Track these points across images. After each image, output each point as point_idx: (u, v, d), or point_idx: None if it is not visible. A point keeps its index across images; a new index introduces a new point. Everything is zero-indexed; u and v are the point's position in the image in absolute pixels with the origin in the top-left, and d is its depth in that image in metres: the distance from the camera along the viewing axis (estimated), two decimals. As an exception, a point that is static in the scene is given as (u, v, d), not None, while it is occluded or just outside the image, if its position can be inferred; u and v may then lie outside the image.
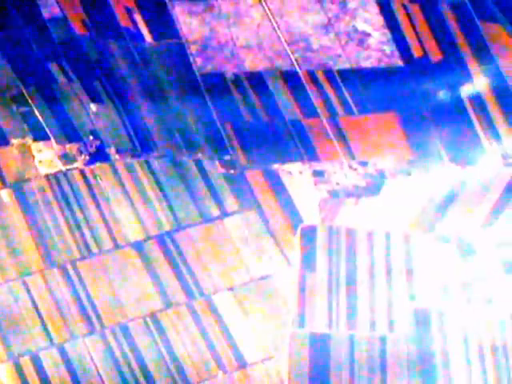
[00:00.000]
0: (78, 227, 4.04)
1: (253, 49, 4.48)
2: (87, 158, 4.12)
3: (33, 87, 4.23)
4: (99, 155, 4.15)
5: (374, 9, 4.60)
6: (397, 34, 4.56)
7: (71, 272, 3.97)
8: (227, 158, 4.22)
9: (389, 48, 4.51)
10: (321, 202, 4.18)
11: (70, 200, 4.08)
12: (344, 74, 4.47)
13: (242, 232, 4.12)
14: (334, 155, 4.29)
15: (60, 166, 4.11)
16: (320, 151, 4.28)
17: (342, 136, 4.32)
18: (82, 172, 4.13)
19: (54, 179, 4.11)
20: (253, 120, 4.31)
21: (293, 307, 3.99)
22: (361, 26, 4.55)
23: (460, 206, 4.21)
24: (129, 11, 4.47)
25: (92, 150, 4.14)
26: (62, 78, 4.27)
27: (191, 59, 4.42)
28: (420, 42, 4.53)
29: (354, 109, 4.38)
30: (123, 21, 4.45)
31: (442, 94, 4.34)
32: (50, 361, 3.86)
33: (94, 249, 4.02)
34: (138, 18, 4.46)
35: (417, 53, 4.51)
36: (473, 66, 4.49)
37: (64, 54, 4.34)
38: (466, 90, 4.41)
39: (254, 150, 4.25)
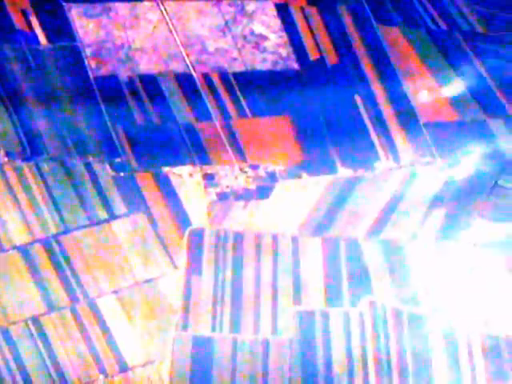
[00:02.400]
0: (-37, 230, 4.02)
1: (148, 51, 4.47)
2: (-25, 161, 4.11)
3: None
4: (-12, 158, 4.14)
5: (271, 12, 4.60)
6: (294, 36, 4.56)
7: (-47, 275, 3.96)
8: (118, 160, 4.20)
9: (285, 51, 4.51)
10: (210, 205, 4.17)
11: (-44, 203, 4.06)
12: (239, 76, 4.46)
13: (129, 235, 4.11)
14: (226, 158, 4.28)
15: None
16: (211, 154, 4.28)
17: (234, 139, 4.32)
18: (-31, 175, 4.11)
19: None
20: (145, 123, 4.30)
21: (177, 310, 3.98)
22: (258, 28, 4.55)
23: (349, 210, 4.20)
24: (24, 13, 4.45)
25: (-20, 153, 4.13)
26: (-48, 81, 4.24)
27: (86, 62, 4.40)
28: (317, 44, 4.53)
29: (248, 112, 4.38)
30: (18, 23, 4.43)
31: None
32: None
33: (-22, 252, 4.00)
34: (34, 20, 4.44)
35: (313, 56, 4.51)
36: (369, 70, 4.48)
37: (-44, 57, 4.32)
38: (361, 93, 4.41)
39: (145, 153, 4.25)
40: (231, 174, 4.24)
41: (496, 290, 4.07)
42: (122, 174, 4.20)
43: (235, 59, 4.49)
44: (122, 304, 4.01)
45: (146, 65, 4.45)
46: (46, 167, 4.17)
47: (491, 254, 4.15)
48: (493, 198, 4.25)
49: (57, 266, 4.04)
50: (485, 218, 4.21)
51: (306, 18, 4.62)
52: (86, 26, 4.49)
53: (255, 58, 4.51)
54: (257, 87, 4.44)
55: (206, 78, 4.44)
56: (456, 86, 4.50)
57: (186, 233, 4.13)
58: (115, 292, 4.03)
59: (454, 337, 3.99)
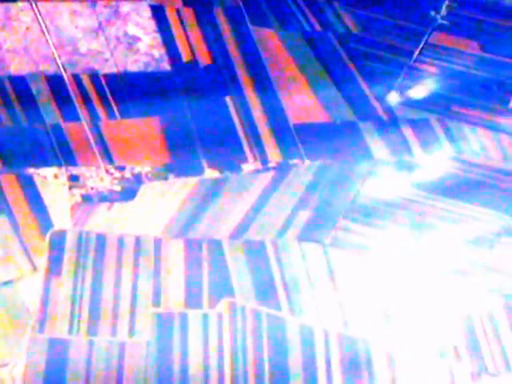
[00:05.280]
0: None
1: (19, 52, 4.44)
2: None
3: None
4: None
5: (146, 13, 4.59)
6: (167, 38, 4.54)
7: None
8: (-18, 162, 4.18)
9: (158, 52, 4.49)
10: (73, 206, 4.15)
11: None
12: (110, 78, 4.44)
13: (-11, 237, 4.08)
14: (92, 160, 4.26)
15: None
16: (78, 156, 4.25)
17: (101, 140, 4.29)
18: None
19: None
20: (12, 124, 4.27)
21: (34, 312, 3.95)
22: (132, 30, 4.53)
23: (214, 212, 4.19)
24: None
25: None
26: None
27: (-46, 63, 4.37)
28: (190, 46, 4.51)
29: (117, 113, 4.35)
30: None
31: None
32: None
33: None
34: None
35: (186, 57, 4.49)
36: (241, 71, 4.47)
37: None
38: (231, 95, 4.40)
39: (10, 155, 4.22)
40: (97, 176, 4.22)
41: (358, 296, 4.06)
42: (-15, 176, 4.16)
43: (107, 60, 4.47)
44: (-21, 306, 3.97)
45: (17, 66, 4.42)
46: None
47: (354, 256, 4.14)
48: (359, 200, 4.25)
49: None
50: (349, 220, 4.20)
51: (180, 19, 4.61)
52: (-44, 27, 4.46)
53: (127, 60, 4.49)
54: (127, 89, 4.42)
55: (77, 79, 4.42)
56: (328, 88, 4.49)
57: (48, 235, 4.09)
58: (-28, 294, 3.99)
59: (312, 344, 3.97)
